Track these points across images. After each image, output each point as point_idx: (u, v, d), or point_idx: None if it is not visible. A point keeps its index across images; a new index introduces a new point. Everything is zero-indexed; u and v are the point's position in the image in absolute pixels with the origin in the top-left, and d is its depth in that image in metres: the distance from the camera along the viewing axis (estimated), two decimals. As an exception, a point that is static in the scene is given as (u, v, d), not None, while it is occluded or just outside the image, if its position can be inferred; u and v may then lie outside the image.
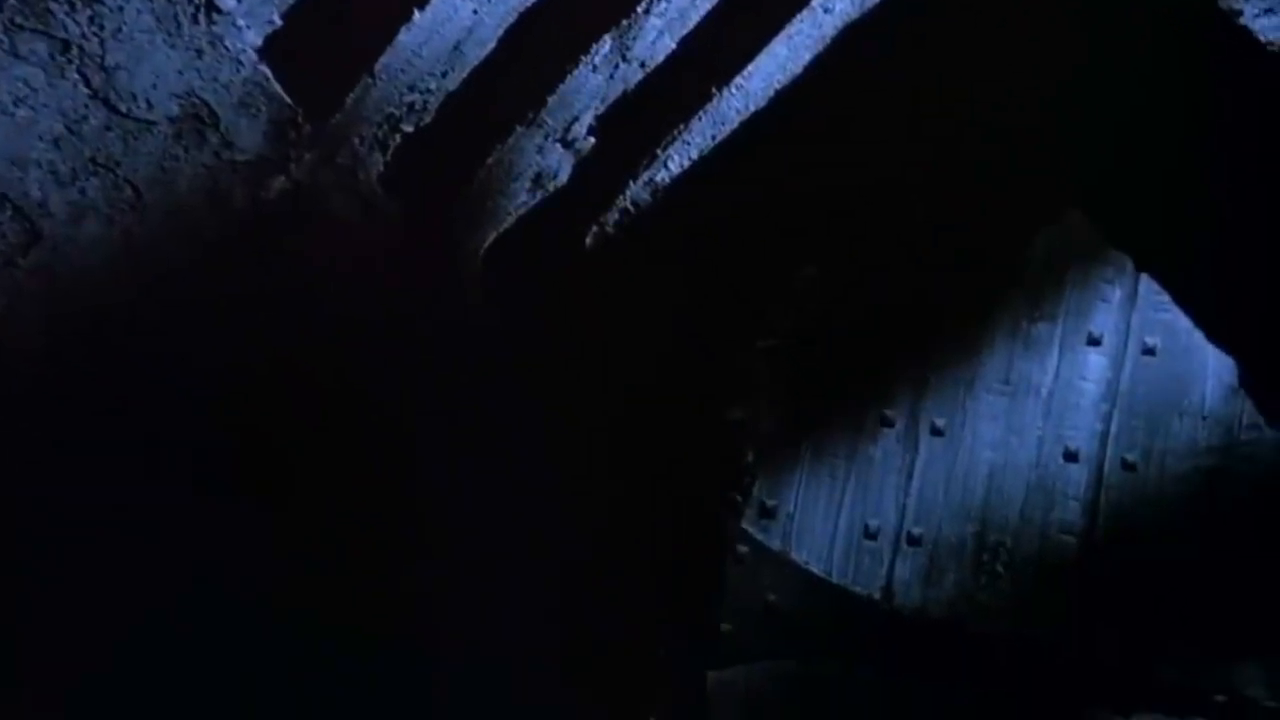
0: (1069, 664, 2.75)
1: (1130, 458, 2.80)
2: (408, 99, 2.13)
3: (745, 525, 2.97)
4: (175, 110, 1.91)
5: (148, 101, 1.90)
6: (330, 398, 2.08)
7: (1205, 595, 2.71)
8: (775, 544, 2.96)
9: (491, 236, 2.29)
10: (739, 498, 2.92)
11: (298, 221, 2.05)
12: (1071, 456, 2.83)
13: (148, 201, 1.91)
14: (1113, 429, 2.81)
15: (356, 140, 2.10)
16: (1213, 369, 2.76)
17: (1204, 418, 2.75)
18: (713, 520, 2.87)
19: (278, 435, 2.05)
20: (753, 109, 2.42)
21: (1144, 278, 2.81)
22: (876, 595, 2.89)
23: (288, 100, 2.02)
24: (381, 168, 2.14)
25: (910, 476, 2.90)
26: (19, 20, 1.75)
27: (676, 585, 2.78)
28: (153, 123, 1.91)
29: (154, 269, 1.89)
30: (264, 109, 1.98)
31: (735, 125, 2.42)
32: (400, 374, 2.18)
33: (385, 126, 2.11)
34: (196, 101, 1.92)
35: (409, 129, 2.14)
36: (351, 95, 2.05)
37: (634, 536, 2.78)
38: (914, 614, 2.84)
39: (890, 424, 2.97)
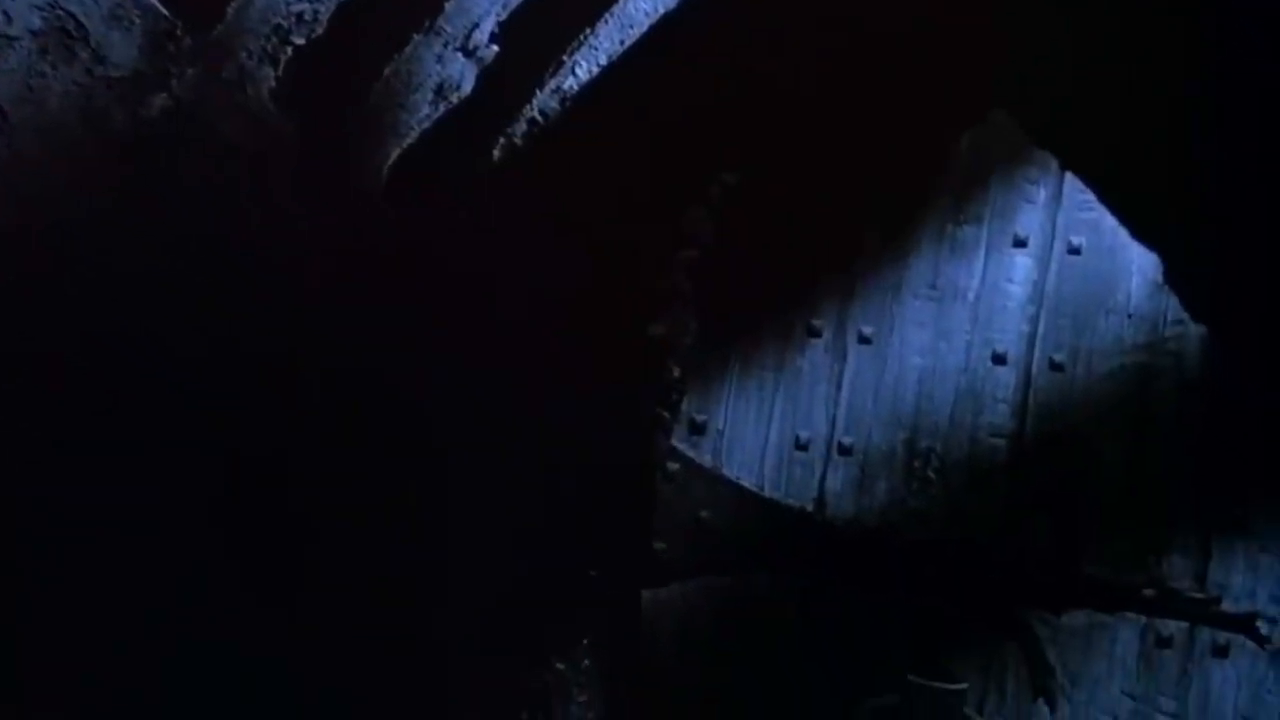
0: (1001, 566, 2.68)
1: (1058, 358, 2.73)
2: (296, 8, 1.98)
3: (675, 442, 2.87)
4: (38, 23, 1.75)
5: (5, 14, 1.74)
6: (221, 326, 1.95)
7: (1133, 492, 2.64)
8: (706, 459, 2.88)
9: (394, 153, 2.14)
10: (666, 414, 2.82)
11: (183, 142, 1.89)
12: (999, 359, 2.75)
13: (15, 121, 1.75)
14: (1040, 330, 2.74)
15: (243, 54, 1.95)
16: (1137, 266, 2.70)
17: (1129, 315, 2.69)
18: (641, 438, 2.77)
19: (162, 365, 1.91)
20: (662, 10, 2.28)
21: (1068, 177, 2.73)
22: (809, 507, 2.82)
23: (163, 11, 1.86)
24: (272, 83, 1.98)
25: (839, 386, 2.82)
26: None
27: (607, 505, 2.68)
28: (14, 38, 1.74)
29: (27, 191, 1.74)
30: (137, 21, 1.83)
31: (644, 28, 2.28)
32: (299, 302, 2.05)
33: (274, 39, 1.96)
34: (61, 14, 1.76)
35: (299, 41, 1.99)
36: (234, 4, 1.89)
37: (561, 457, 2.68)
38: (847, 524, 2.78)
39: (818, 334, 2.90)
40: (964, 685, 2.67)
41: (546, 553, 2.59)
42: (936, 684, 2.71)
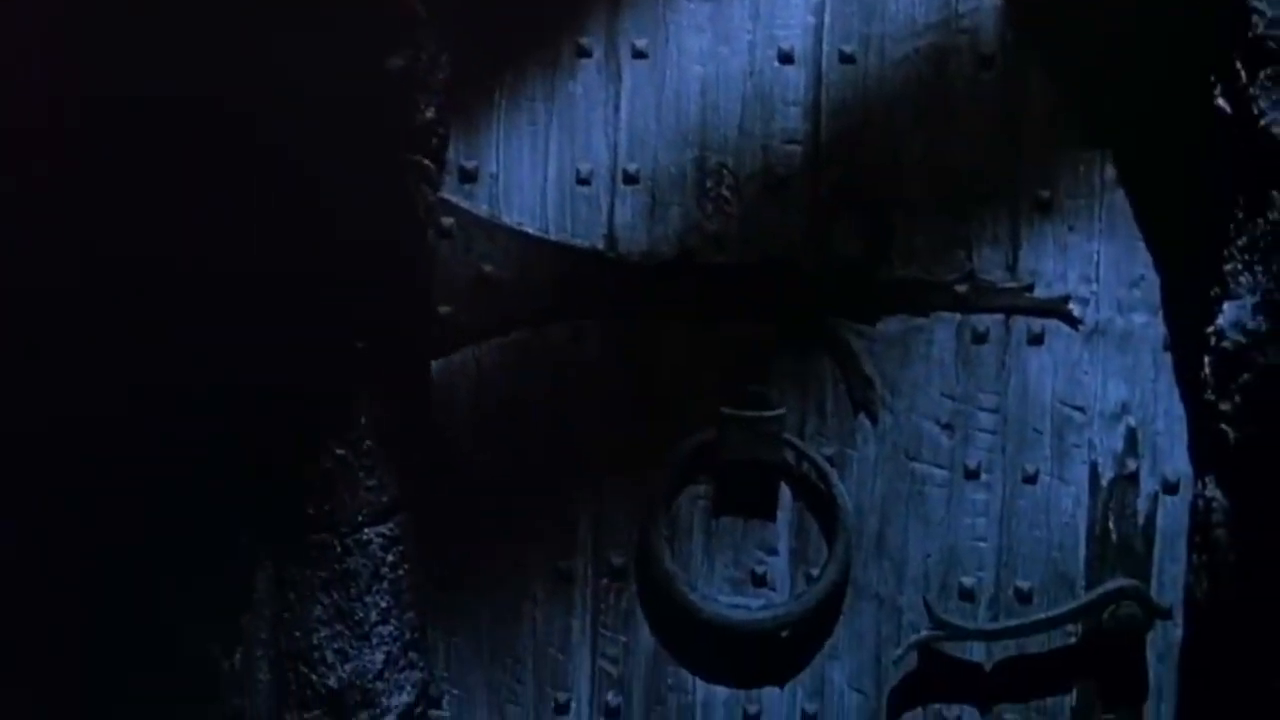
0: (807, 280, 2.45)
1: (848, 49, 2.40)
2: None
3: (445, 194, 2.41)
4: None
5: None
6: None
7: (938, 185, 2.32)
8: (482, 209, 2.47)
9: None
10: (427, 162, 2.34)
11: None
12: (786, 58, 2.40)
13: None
14: (826, 20, 2.38)
15: None
16: (922, -62, 2.28)
17: (918, -7, 2.30)
18: (401, 192, 2.29)
19: None
20: None
21: None
22: (599, 244, 2.44)
23: None
24: None
25: (617, 109, 2.47)
26: None
27: (375, 272, 2.22)
28: None
29: None
30: None
31: None
32: None
33: None
34: None
35: None
36: None
37: (310, 224, 2.19)
38: (642, 257, 2.39)
39: (587, 53, 2.53)
40: (781, 410, 2.41)
41: (308, 329, 2.12)
42: (751, 412, 2.47)
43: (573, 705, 2.53)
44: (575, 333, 2.50)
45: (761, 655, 2.45)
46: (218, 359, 2.22)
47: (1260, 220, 2.00)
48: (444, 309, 2.51)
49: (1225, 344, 2.08)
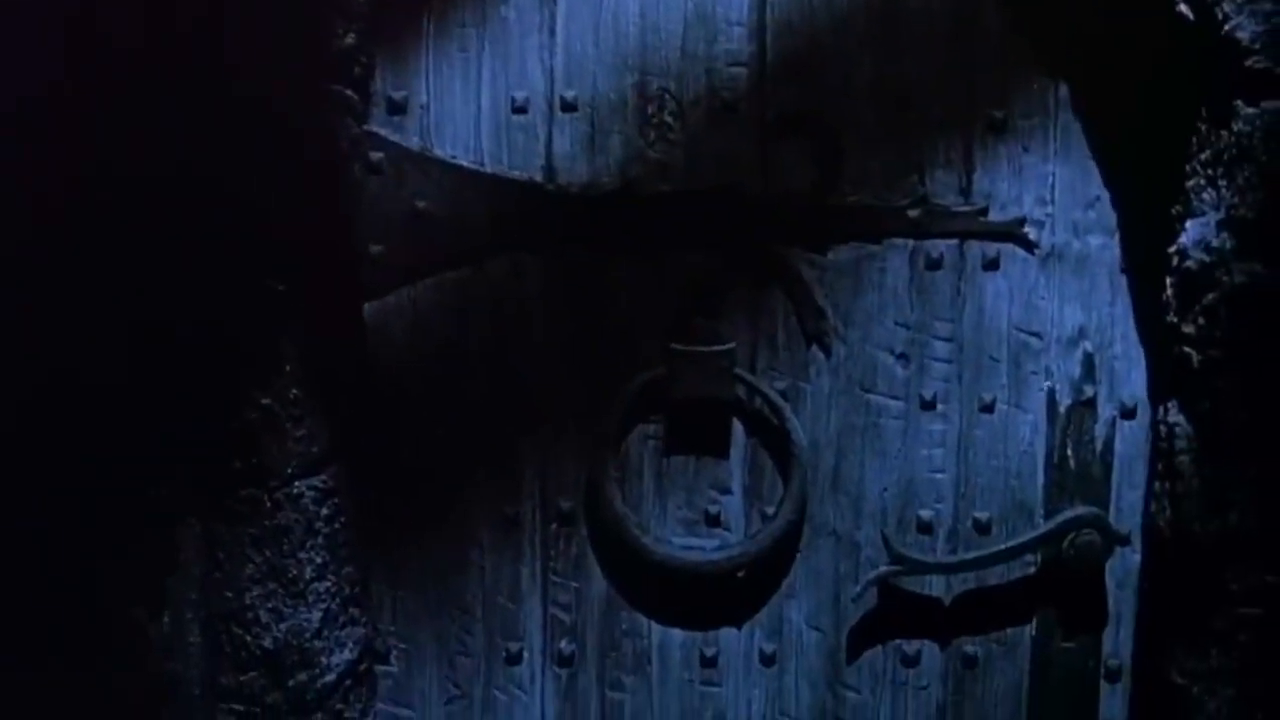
0: (756, 208, 2.35)
1: (792, -36, 2.18)
2: None
3: (374, 127, 2.23)
4: None
5: None
6: None
7: (888, 106, 2.31)
8: (413, 142, 2.31)
9: None
10: (350, 93, 2.16)
11: None
12: (729, -26, 2.19)
13: None
14: (768, -70, 2.18)
15: None
16: None
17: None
18: (322, 125, 2.11)
19: None
20: None
21: None
22: (537, 177, 2.27)
23: None
24: None
25: (553, 33, 2.35)
26: None
27: (296, 211, 2.04)
28: None
29: None
30: None
31: None
32: None
33: None
34: None
35: None
36: None
37: (233, 156, 2.01)
38: (582, 189, 2.23)
39: None
40: (731, 345, 2.30)
41: (225, 267, 1.98)
42: (701, 347, 2.37)
43: (525, 655, 2.41)
44: (515, 269, 2.36)
45: (717, 597, 2.34)
46: (129, 296, 2.02)
47: (1224, 132, 1.89)
48: (375, 248, 2.34)
49: (1188, 264, 1.98)
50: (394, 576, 2.41)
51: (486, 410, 2.36)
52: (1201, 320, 1.97)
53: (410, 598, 2.43)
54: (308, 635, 2.19)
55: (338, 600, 2.24)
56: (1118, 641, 2.37)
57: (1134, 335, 2.32)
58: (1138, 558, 2.34)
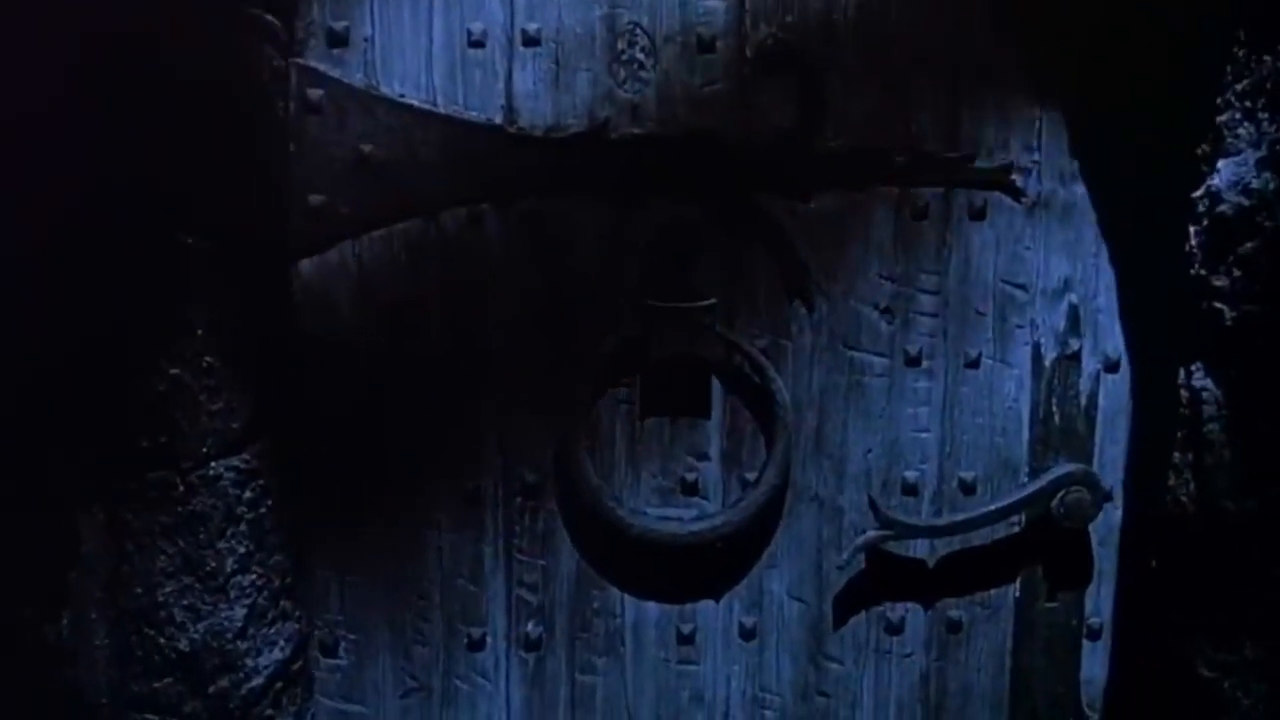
0: (734, 153, 2.17)
1: (775, -112, 1.97)
2: None
3: (311, 61, 1.94)
4: None
5: None
6: None
7: (874, 43, 2.15)
8: (356, 78, 2.07)
9: None
10: (270, 18, 1.86)
11: None
12: (706, -102, 1.96)
13: None
14: None
15: None
16: None
17: None
18: (240, 55, 1.80)
19: None
20: None
21: None
22: (496, 117, 2.01)
23: None
24: None
25: None
26: None
27: (213, 155, 1.73)
28: None
29: None
30: None
31: None
32: None
33: None
34: None
35: None
36: None
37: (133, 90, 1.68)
38: (546, 131, 2.00)
39: None
40: (711, 301, 2.15)
41: (125, 217, 1.75)
42: (678, 304, 2.18)
43: (488, 640, 2.17)
44: (472, 220, 2.14)
45: (696, 570, 2.20)
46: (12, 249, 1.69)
47: (1268, 58, 1.71)
48: (315, 198, 2.05)
49: (1223, 208, 1.82)
50: (340, 561, 2.15)
51: (442, 376, 2.12)
52: (1237, 271, 1.81)
53: (360, 584, 2.17)
54: (230, 635, 1.90)
55: (265, 594, 1.96)
56: (1099, 599, 2.27)
57: (1116, 287, 2.16)
58: (1119, 514, 2.22)
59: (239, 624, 1.92)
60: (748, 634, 2.22)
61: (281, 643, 2.03)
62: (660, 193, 2.12)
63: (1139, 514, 2.16)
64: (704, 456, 2.18)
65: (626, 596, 2.19)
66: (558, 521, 2.17)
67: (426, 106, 2.08)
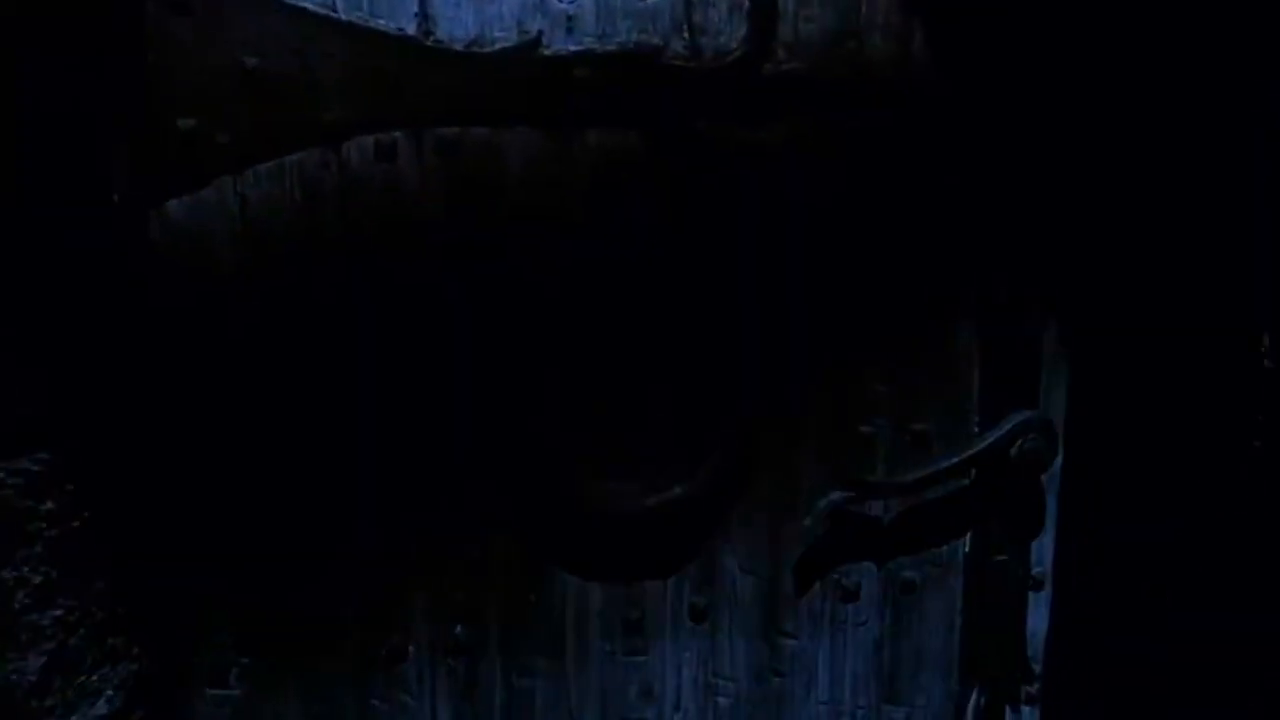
0: (675, 74, 1.92)
1: None
2: None
3: None
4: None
5: None
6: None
7: None
8: (233, -25, 1.56)
9: None
10: None
11: None
12: None
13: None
14: None
15: None
16: None
17: None
18: None
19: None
20: None
21: None
22: (410, 29, 1.70)
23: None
24: None
25: None
26: None
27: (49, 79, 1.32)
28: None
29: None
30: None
31: None
32: None
33: None
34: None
35: None
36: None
37: None
38: (469, 45, 1.76)
39: None
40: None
41: None
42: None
43: (409, 650, 1.80)
44: (380, 151, 1.75)
45: (645, 548, 1.95)
46: None
47: None
48: (185, 122, 1.64)
49: None
50: (225, 568, 1.70)
51: (343, 339, 1.70)
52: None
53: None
54: (21, 691, 1.44)
55: (81, 633, 1.51)
56: (1042, 549, 2.14)
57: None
58: (1060, 460, 2.11)
59: (32, 677, 1.46)
60: (699, 615, 1.95)
61: (109, 692, 1.60)
62: (598, 120, 1.79)
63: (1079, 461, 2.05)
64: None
65: (569, 583, 1.86)
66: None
67: (324, 12, 1.68)
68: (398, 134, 1.76)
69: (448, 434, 1.80)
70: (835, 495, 1.98)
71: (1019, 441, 2.05)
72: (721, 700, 2.01)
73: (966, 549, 2.13)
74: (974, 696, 2.09)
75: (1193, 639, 2.09)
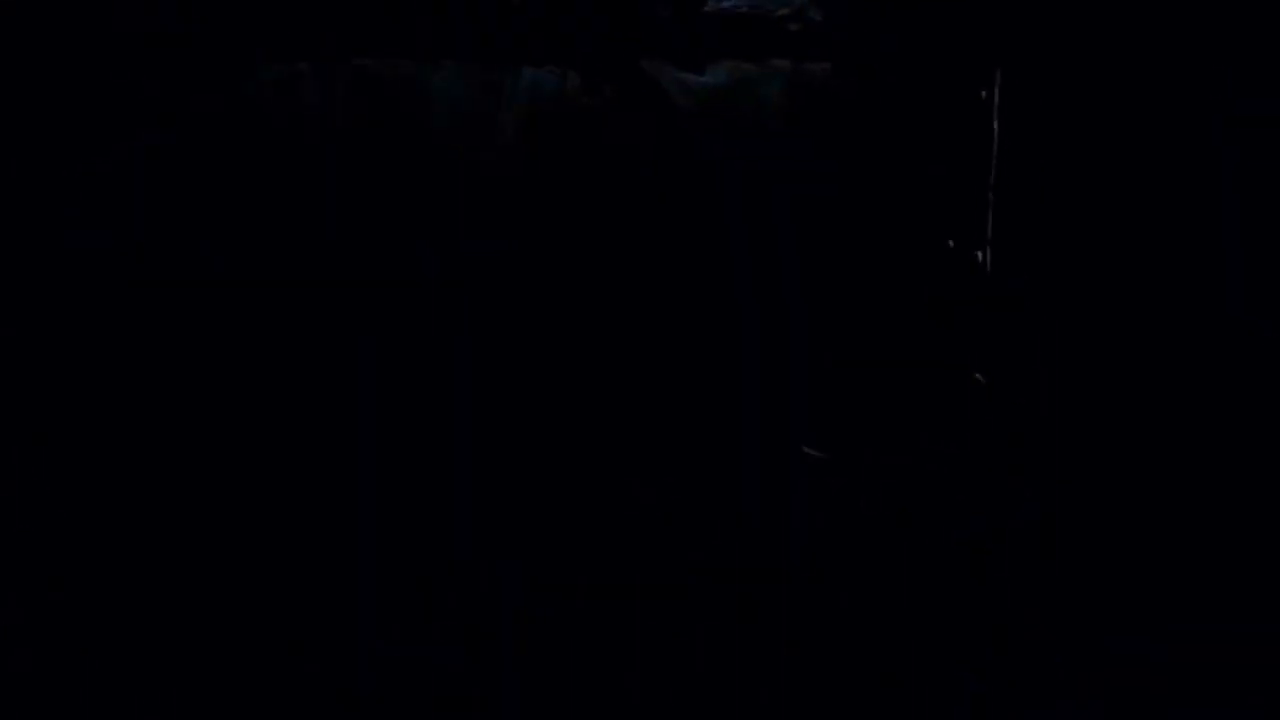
0: (618, 13, 1.77)
1: None
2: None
3: None
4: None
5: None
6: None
7: None
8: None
9: None
10: None
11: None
12: None
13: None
14: None
15: None
16: None
17: None
18: None
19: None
20: None
21: None
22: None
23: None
24: None
25: None
26: None
27: None
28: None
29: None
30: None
31: None
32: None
33: None
34: None
35: None
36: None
37: None
38: None
39: None
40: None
41: None
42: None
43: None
44: (287, 84, 1.54)
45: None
46: None
47: None
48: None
49: None
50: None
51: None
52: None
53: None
54: None
55: None
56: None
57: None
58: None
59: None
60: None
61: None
62: (529, 56, 1.66)
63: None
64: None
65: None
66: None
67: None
68: (304, 65, 1.61)
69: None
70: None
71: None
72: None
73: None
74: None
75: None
